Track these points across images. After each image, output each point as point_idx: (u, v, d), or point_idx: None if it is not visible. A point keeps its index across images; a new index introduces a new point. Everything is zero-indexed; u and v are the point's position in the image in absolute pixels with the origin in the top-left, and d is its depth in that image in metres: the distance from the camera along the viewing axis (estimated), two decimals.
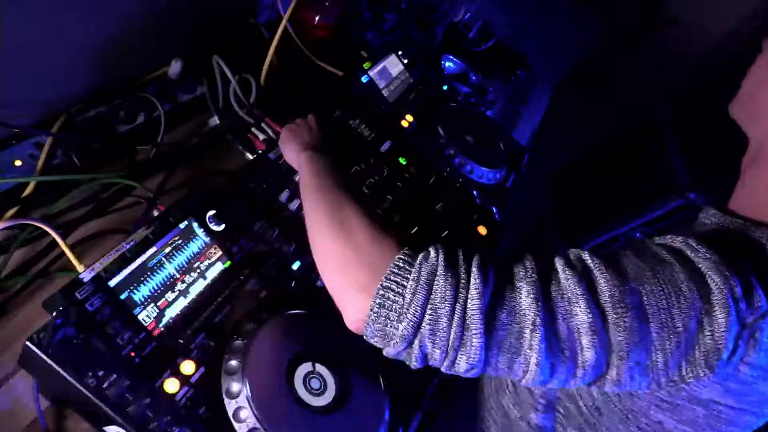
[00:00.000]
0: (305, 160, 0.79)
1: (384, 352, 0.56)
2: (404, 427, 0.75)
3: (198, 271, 0.73)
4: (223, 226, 0.77)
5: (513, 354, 0.50)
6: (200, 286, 0.72)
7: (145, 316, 0.65)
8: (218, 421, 0.62)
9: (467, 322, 0.49)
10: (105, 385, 0.57)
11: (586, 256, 0.53)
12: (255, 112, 1.07)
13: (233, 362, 0.65)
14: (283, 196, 0.90)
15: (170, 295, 0.68)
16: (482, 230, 1.11)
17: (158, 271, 0.68)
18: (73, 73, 0.89)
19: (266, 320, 0.71)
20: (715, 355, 0.50)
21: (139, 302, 0.65)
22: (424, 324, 0.50)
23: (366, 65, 1.20)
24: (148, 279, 0.67)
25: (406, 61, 1.32)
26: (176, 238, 0.71)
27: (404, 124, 1.20)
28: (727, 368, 0.52)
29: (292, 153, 0.87)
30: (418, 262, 0.53)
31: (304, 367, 0.70)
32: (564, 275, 0.51)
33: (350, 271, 0.57)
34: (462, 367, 0.51)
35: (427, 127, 1.23)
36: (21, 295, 0.75)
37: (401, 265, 0.53)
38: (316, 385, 0.69)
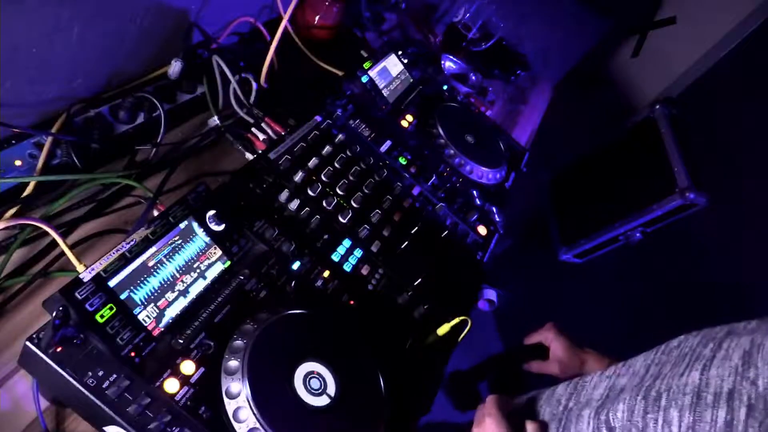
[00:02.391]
0: None
1: None
2: (404, 428, 0.75)
3: (198, 271, 0.73)
4: (223, 226, 0.77)
5: None
6: (200, 286, 0.72)
7: (145, 316, 0.65)
8: (218, 421, 0.62)
9: None
10: (105, 385, 0.57)
11: None
12: (255, 112, 1.07)
13: (233, 362, 0.65)
14: (283, 196, 0.90)
15: (170, 295, 0.68)
16: (482, 230, 1.11)
17: (158, 271, 0.68)
18: (73, 73, 0.89)
19: (266, 320, 0.71)
20: None
21: (139, 302, 0.65)
22: None
23: (366, 65, 1.20)
24: (148, 279, 0.66)
25: (406, 61, 1.32)
26: (176, 238, 0.71)
27: (404, 124, 1.20)
28: None
29: None
30: None
31: (304, 367, 0.70)
32: None
33: None
34: None
35: (427, 127, 1.23)
36: (21, 295, 0.75)
37: None
38: (316, 385, 0.69)
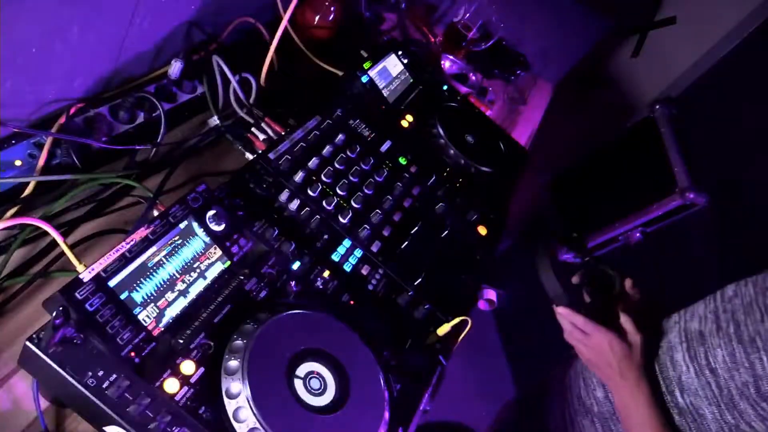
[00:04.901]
0: (633, 395, 0.84)
1: None
2: (404, 427, 0.75)
3: (198, 271, 0.73)
4: (223, 226, 0.77)
5: None
6: (200, 286, 0.72)
7: (145, 316, 0.65)
8: (218, 421, 0.62)
9: None
10: (105, 385, 0.57)
11: None
12: (255, 112, 1.07)
13: (233, 362, 0.65)
14: (283, 196, 0.90)
15: (170, 295, 0.68)
16: (482, 230, 1.11)
17: (158, 271, 0.68)
18: (73, 73, 0.89)
19: (266, 320, 0.71)
20: None
21: (139, 302, 0.65)
22: None
23: (366, 65, 1.20)
24: (148, 279, 0.67)
25: (406, 61, 1.32)
26: (176, 238, 0.71)
27: (404, 124, 1.20)
28: None
29: (608, 376, 0.87)
30: None
31: (304, 367, 0.70)
32: None
33: None
34: None
35: (427, 128, 1.23)
36: (21, 295, 0.75)
37: None
38: (316, 385, 0.69)
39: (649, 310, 0.92)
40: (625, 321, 0.87)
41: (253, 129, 1.05)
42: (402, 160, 1.11)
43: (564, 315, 0.91)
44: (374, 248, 0.93)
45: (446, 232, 1.05)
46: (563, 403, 1.07)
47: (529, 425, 1.24)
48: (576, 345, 0.91)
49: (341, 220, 0.93)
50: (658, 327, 0.90)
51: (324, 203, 0.93)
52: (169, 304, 0.68)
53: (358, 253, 0.91)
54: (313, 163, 0.97)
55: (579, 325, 0.88)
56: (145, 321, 0.65)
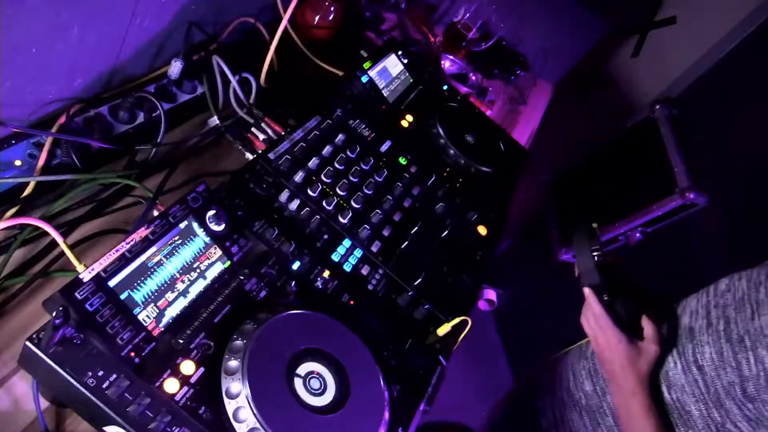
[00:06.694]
0: (634, 389, 0.81)
1: None
2: (404, 427, 0.75)
3: (198, 271, 0.73)
4: (223, 226, 0.77)
5: None
6: (200, 286, 0.72)
7: (145, 316, 0.65)
8: (218, 421, 0.62)
9: None
10: (105, 385, 0.57)
11: None
12: (255, 112, 1.07)
13: (233, 362, 0.65)
14: (283, 196, 0.90)
15: (170, 295, 0.68)
16: (482, 230, 1.11)
17: (158, 271, 0.68)
18: (73, 73, 0.89)
19: (266, 320, 0.71)
20: None
21: (139, 302, 0.65)
22: None
23: (366, 65, 1.20)
24: (148, 279, 0.66)
25: (406, 61, 1.32)
26: (176, 238, 0.71)
27: (404, 124, 1.20)
28: None
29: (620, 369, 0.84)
30: None
31: (304, 367, 0.70)
32: None
33: None
34: None
35: (427, 128, 1.23)
36: (21, 295, 0.75)
37: None
38: (316, 385, 0.69)
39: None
40: (648, 327, 0.84)
41: (253, 129, 1.05)
42: (402, 160, 1.11)
43: (587, 297, 0.89)
44: (374, 248, 0.93)
45: (446, 232, 1.05)
46: (553, 397, 1.07)
47: (520, 422, 1.24)
48: (589, 332, 0.89)
49: (341, 220, 0.93)
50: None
51: (324, 203, 0.93)
52: (169, 304, 0.68)
53: (358, 253, 0.91)
54: (313, 163, 0.97)
55: (596, 315, 0.86)
56: (145, 321, 0.65)
